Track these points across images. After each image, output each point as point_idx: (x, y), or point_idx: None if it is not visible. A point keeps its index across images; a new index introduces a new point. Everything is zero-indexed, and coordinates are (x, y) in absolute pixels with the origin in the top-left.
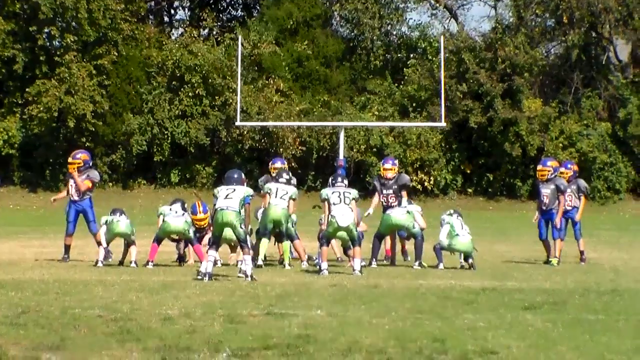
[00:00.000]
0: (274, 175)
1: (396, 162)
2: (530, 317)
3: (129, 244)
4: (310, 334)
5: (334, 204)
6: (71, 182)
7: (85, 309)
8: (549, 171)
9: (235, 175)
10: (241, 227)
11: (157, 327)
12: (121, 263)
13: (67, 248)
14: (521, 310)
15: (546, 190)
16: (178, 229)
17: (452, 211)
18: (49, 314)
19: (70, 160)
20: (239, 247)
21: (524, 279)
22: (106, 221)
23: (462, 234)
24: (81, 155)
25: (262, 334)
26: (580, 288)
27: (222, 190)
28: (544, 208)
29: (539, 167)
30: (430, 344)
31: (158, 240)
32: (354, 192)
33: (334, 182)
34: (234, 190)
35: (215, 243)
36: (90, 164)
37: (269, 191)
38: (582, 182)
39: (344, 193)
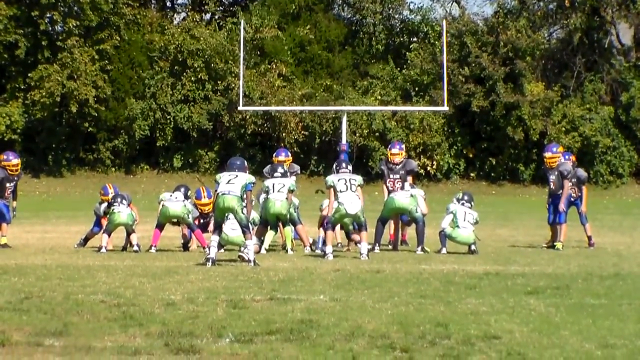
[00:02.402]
0: (268, 171)
1: (403, 146)
2: (533, 302)
3: (128, 232)
4: (313, 319)
5: (340, 191)
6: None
7: (88, 295)
8: (558, 157)
9: (238, 162)
10: (243, 212)
11: (160, 312)
12: (124, 249)
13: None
14: (524, 295)
15: (552, 177)
16: (177, 213)
17: (461, 195)
18: (52, 300)
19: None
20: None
21: (527, 264)
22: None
23: (463, 226)
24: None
25: (265, 319)
26: (583, 272)
27: (224, 176)
28: (551, 193)
29: (547, 154)
30: (433, 328)
31: (160, 226)
32: (359, 179)
33: (338, 168)
34: (237, 176)
35: (218, 228)
36: None
37: (266, 189)
38: (582, 173)
39: (349, 180)
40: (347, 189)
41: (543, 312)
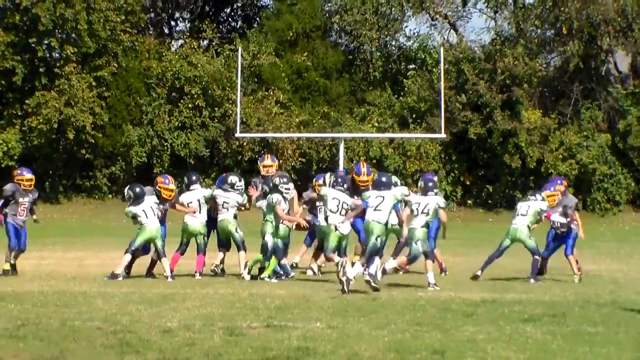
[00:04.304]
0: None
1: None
2: (529, 329)
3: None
4: (309, 346)
5: (330, 210)
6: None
7: (84, 321)
8: (557, 195)
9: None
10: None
11: (156, 339)
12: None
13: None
14: (521, 323)
15: (555, 216)
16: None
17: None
18: (49, 326)
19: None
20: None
21: (524, 291)
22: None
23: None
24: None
25: (261, 346)
26: (579, 300)
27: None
28: (558, 233)
29: (546, 192)
30: (430, 356)
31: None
32: (350, 202)
33: (334, 184)
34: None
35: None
36: None
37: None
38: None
39: (342, 203)
40: (337, 210)
41: (540, 339)
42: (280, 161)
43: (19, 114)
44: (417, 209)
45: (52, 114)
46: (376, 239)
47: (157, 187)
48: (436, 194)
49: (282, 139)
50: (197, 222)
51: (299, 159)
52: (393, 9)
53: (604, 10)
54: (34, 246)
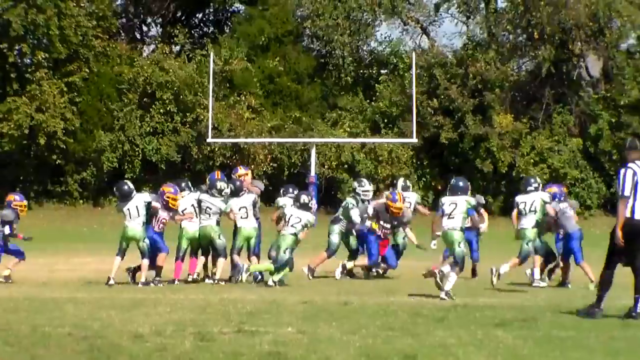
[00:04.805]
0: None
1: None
2: (501, 334)
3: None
4: (281, 351)
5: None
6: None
7: (55, 327)
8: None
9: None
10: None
11: (127, 344)
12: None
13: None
14: (492, 327)
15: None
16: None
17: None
18: (19, 332)
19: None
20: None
21: (495, 296)
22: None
23: None
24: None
25: (232, 351)
26: (551, 305)
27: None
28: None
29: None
30: None
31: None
32: (305, 219)
33: (284, 192)
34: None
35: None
36: None
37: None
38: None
39: (297, 217)
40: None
41: (511, 344)
42: (252, 166)
43: None
44: (524, 208)
45: (23, 119)
46: (459, 245)
47: (165, 197)
48: (536, 189)
49: (253, 144)
50: (195, 226)
51: (271, 164)
52: (365, 14)
53: (575, 15)
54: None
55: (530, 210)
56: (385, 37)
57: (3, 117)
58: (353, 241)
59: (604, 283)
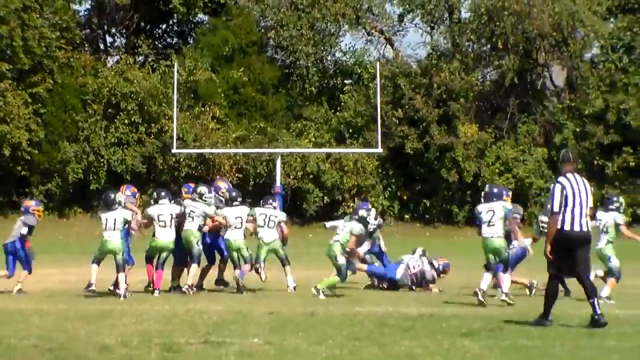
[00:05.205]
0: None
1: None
2: (467, 343)
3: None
4: None
5: (259, 225)
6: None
7: (21, 339)
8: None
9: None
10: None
11: (93, 356)
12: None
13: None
14: (458, 337)
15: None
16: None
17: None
18: None
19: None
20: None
21: (461, 305)
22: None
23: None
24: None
25: None
26: (516, 314)
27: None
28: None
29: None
30: None
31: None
32: (281, 215)
33: (263, 202)
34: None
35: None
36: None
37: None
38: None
39: (269, 216)
40: (264, 224)
41: (478, 353)
42: (217, 177)
43: None
44: (597, 226)
45: None
46: (506, 251)
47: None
48: (617, 209)
49: (219, 155)
50: (167, 237)
51: (236, 174)
52: (329, 25)
53: (539, 25)
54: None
55: (602, 231)
56: (349, 47)
57: None
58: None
59: (550, 296)
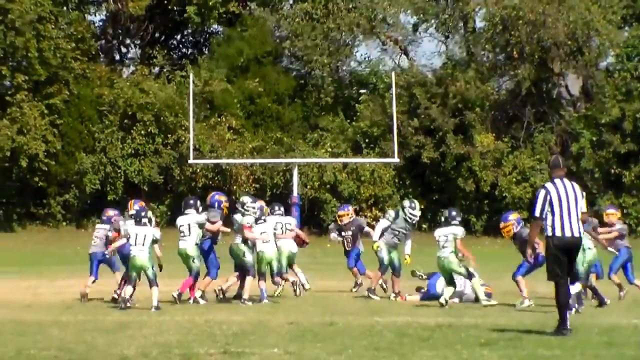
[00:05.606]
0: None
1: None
2: (486, 353)
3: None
4: None
5: (276, 234)
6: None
7: (40, 350)
8: (512, 224)
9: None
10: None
11: None
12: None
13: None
14: (478, 347)
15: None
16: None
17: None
18: (4, 355)
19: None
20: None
21: (480, 315)
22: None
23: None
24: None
25: None
26: (536, 323)
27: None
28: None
29: (501, 224)
30: None
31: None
32: (290, 219)
33: (272, 210)
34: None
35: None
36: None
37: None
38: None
39: (285, 224)
40: (282, 232)
41: None
42: (234, 187)
43: None
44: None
45: (4, 142)
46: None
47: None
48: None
49: (235, 165)
50: (184, 245)
51: (253, 184)
52: (343, 34)
53: (554, 34)
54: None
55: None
56: (364, 57)
57: None
58: (395, 256)
59: (562, 303)
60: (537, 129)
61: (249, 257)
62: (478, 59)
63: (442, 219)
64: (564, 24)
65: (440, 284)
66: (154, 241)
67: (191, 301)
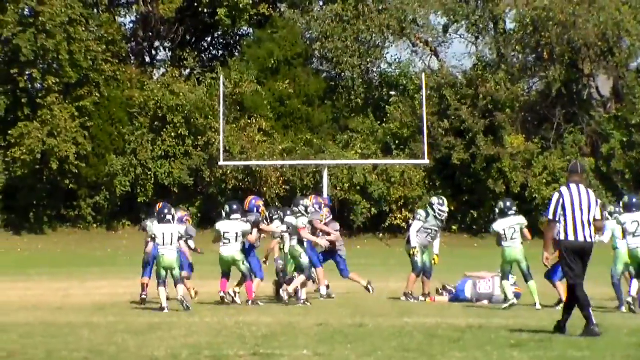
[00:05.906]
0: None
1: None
2: (516, 355)
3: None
4: None
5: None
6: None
7: (71, 352)
8: None
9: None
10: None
11: None
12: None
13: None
14: (508, 348)
15: None
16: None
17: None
18: (35, 357)
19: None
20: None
21: (510, 316)
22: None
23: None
24: None
25: None
26: (566, 325)
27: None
28: None
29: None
30: None
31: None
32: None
33: (291, 212)
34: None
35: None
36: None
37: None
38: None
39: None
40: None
41: None
42: (264, 189)
43: (2, 145)
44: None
45: (35, 144)
46: None
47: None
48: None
49: (265, 167)
50: (228, 252)
51: (283, 186)
52: (374, 36)
53: (584, 34)
54: (19, 277)
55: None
56: (394, 59)
57: (15, 142)
58: (426, 257)
59: (583, 303)
60: (567, 130)
61: (304, 259)
62: (508, 60)
63: (497, 210)
64: (594, 25)
65: (469, 288)
66: (183, 238)
67: (249, 303)
